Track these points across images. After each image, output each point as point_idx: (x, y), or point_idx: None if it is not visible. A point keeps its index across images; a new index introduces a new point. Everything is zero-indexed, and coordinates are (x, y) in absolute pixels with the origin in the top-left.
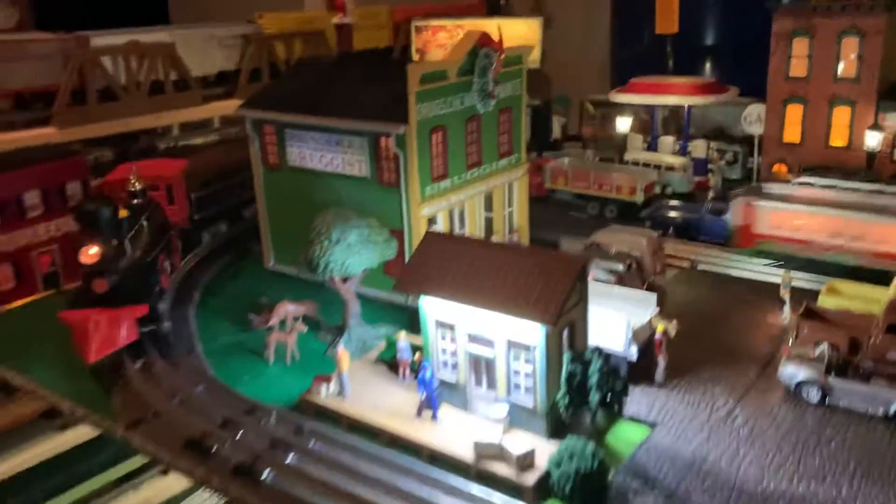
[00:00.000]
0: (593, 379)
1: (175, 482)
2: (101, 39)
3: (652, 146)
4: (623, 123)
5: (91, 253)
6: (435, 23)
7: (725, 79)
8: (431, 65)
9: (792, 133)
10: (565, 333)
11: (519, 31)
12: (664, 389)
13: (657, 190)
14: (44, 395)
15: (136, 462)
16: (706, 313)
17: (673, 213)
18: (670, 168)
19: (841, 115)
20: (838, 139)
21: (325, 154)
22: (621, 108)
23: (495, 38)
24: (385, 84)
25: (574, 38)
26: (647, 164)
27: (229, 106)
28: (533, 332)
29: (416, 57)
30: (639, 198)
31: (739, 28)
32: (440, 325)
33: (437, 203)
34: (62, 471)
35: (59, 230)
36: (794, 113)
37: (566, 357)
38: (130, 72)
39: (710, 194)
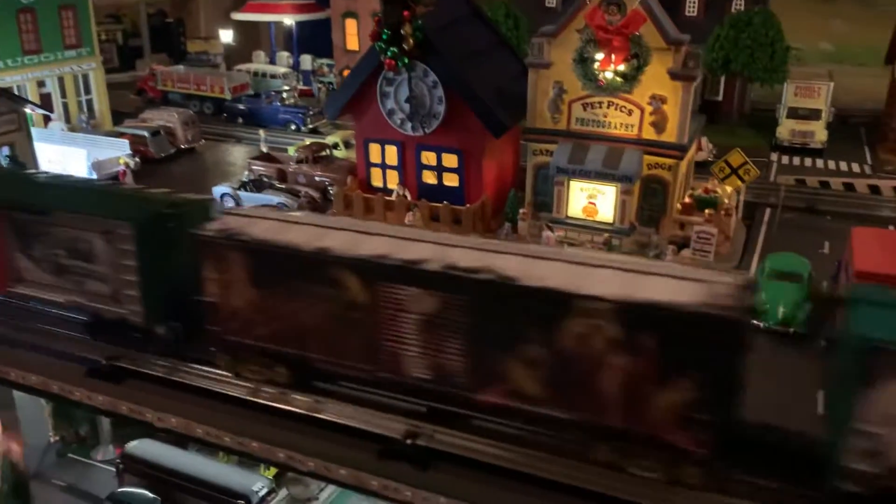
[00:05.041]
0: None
1: None
2: None
3: (272, 59)
4: (225, 35)
5: None
6: None
7: None
8: None
9: (352, 42)
10: (5, 150)
11: None
12: None
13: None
14: None
15: None
16: (194, 166)
17: (241, 106)
18: (274, 76)
19: None
20: None
21: None
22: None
23: None
24: None
25: None
26: (256, 73)
27: None
28: None
29: None
30: (227, 95)
31: None
32: None
33: None
34: None
35: None
36: (351, 25)
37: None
38: None
39: (271, 92)
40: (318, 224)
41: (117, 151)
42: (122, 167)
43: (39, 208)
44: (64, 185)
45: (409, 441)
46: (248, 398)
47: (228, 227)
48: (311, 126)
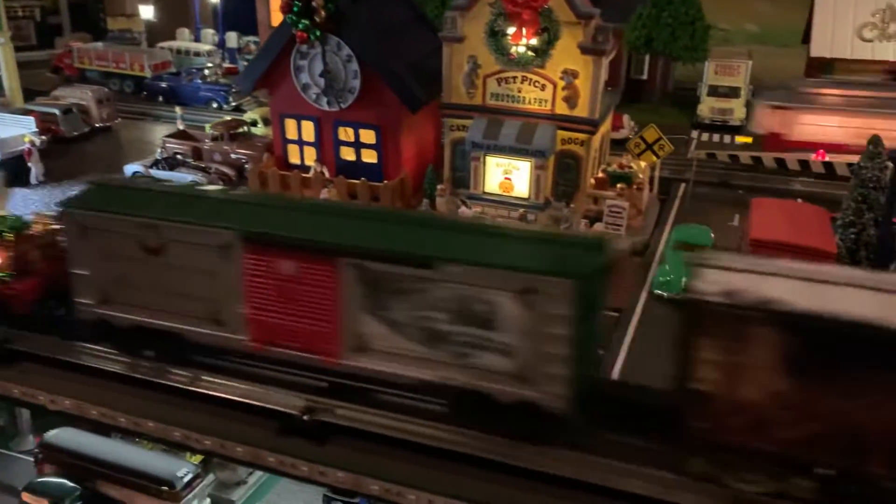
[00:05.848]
0: None
1: None
2: None
3: (196, 37)
4: (146, 12)
5: None
6: None
7: None
8: None
9: (277, 19)
10: None
11: None
12: (39, 188)
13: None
14: None
15: None
16: (108, 145)
17: (162, 84)
18: (198, 54)
19: None
20: None
21: None
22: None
23: None
24: None
25: None
26: (180, 51)
27: None
28: None
29: None
30: (147, 73)
31: None
32: None
33: None
34: None
35: None
36: (276, 1)
37: None
38: None
39: (192, 70)
40: (854, 283)
41: (22, 129)
42: (27, 145)
43: (419, 260)
44: (458, 228)
45: (306, 417)
46: (145, 378)
47: (737, 289)
48: (234, 104)
